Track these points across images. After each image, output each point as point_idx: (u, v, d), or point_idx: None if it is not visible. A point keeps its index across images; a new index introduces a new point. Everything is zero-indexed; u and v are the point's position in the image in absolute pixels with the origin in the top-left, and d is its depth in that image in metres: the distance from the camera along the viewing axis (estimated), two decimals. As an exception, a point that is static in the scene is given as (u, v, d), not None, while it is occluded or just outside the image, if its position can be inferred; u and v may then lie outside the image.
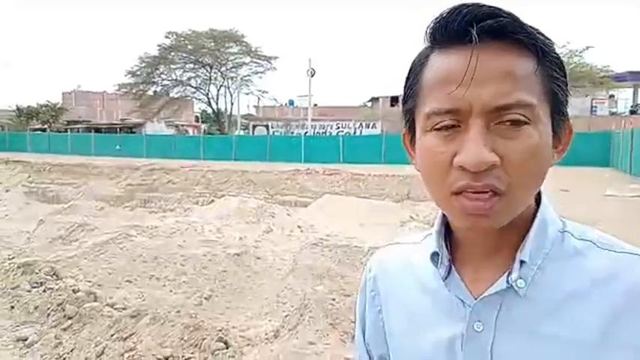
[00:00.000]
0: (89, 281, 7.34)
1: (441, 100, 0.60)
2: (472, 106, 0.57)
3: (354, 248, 9.21)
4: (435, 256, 0.69)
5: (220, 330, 4.99)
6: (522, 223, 0.64)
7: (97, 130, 37.26)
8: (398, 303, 0.75)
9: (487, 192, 0.57)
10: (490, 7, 0.58)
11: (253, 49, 38.90)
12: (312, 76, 35.33)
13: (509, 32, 0.58)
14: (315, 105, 42.55)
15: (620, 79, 28.74)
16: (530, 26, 0.60)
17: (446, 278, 0.68)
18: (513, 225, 0.62)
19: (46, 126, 41.19)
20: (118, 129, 39.52)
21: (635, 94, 31.55)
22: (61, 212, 13.69)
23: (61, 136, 34.56)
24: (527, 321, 0.61)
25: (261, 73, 40.05)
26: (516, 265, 0.62)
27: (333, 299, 5.99)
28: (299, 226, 11.87)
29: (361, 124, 33.93)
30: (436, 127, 0.61)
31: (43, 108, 43.33)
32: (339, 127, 33.91)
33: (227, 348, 4.71)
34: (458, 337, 0.65)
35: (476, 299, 0.64)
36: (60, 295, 5.55)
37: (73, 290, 5.90)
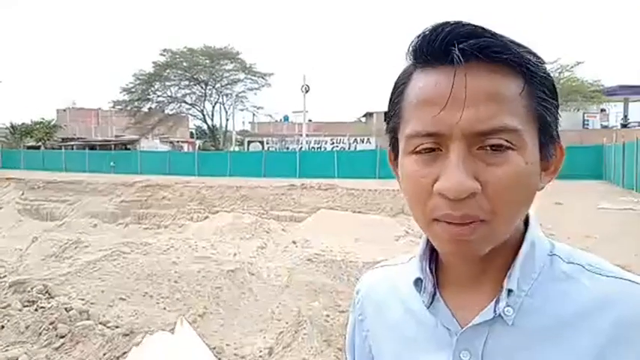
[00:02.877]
0: (82, 299, 7.25)
1: (422, 122, 0.57)
2: (453, 129, 0.55)
3: (349, 263, 9.18)
4: (418, 281, 0.67)
5: (214, 348, 4.94)
6: (510, 247, 0.62)
7: (92, 147, 37.17)
8: (384, 328, 0.73)
9: (468, 222, 0.55)
10: (473, 25, 0.56)
11: (248, 66, 39.13)
12: (307, 92, 35.56)
13: (493, 52, 0.55)
14: (310, 121, 42.74)
15: (611, 93, 29.10)
16: (518, 44, 0.57)
17: (430, 304, 0.66)
18: (500, 249, 0.60)
19: (40, 143, 41.05)
20: (113, 146, 39.46)
21: (625, 107, 31.88)
22: (54, 229, 13.60)
23: (55, 153, 34.42)
24: (515, 350, 0.59)
25: (256, 89, 40.25)
26: (504, 294, 0.60)
27: (328, 315, 5.95)
28: (294, 242, 11.83)
29: (356, 139, 34.05)
30: (417, 150, 0.58)
31: (37, 125, 43.20)
32: (333, 143, 34.00)
33: (221, 366, 4.65)
34: None
35: (462, 327, 0.62)
36: (52, 313, 5.49)
37: (66, 309, 5.83)
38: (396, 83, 0.64)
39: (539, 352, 0.58)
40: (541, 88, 0.58)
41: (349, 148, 32.34)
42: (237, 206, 18.42)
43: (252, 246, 10.99)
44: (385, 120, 0.67)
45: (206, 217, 16.67)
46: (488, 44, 0.55)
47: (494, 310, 0.60)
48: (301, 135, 35.18)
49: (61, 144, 40.87)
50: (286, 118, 47.26)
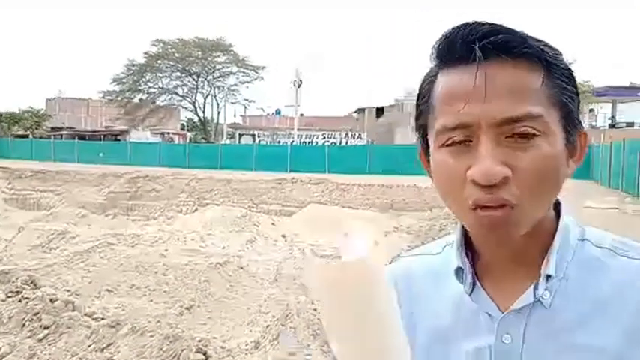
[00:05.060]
0: (68, 290, 7.22)
1: (451, 117, 0.61)
2: (480, 121, 0.59)
3: (337, 258, 9.22)
4: (459, 271, 0.69)
5: (200, 341, 4.94)
6: (543, 233, 0.65)
7: (81, 138, 36.77)
8: (424, 314, 0.76)
9: (501, 205, 0.58)
10: (491, 24, 0.60)
11: (241, 59, 38.93)
12: (299, 86, 35.48)
13: (512, 48, 0.59)
14: (302, 115, 42.64)
15: (599, 93, 29.35)
16: (536, 39, 0.61)
17: (471, 292, 0.69)
18: (534, 236, 0.64)
19: (28, 132, 40.55)
20: (102, 136, 39.10)
21: (614, 108, 32.22)
22: (41, 220, 13.47)
23: (44, 143, 34.02)
24: (554, 331, 0.63)
25: (248, 82, 40.07)
26: (542, 279, 0.63)
27: (315, 309, 5.98)
28: (283, 236, 11.84)
29: (347, 134, 34.07)
30: (447, 143, 0.62)
31: (26, 114, 42.67)
32: (325, 138, 34.00)
33: (206, 359, 4.66)
34: (486, 348, 0.66)
35: (502, 312, 0.66)
36: (36, 304, 5.44)
37: (51, 299, 5.79)
38: (421, 84, 0.69)
39: (576, 332, 0.62)
40: (561, 78, 0.62)
41: (341, 143, 32.35)
42: (227, 199, 18.37)
43: (242, 239, 10.98)
44: (415, 119, 0.71)
45: (195, 210, 16.62)
46: (507, 40, 0.59)
47: (534, 295, 0.63)
48: (293, 129, 35.12)
49: (50, 133, 40.41)
50: (278, 112, 47.12)
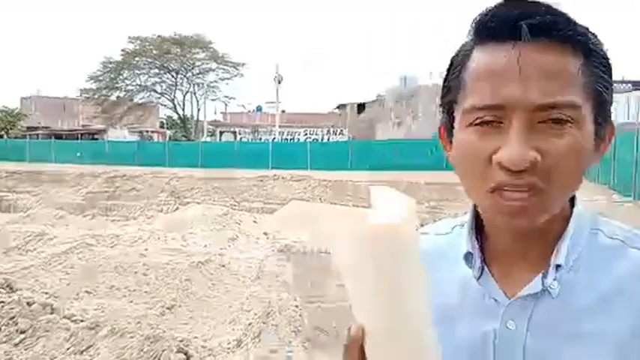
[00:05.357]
0: (46, 293, 7.08)
1: (485, 96, 0.58)
2: (517, 103, 0.57)
3: (320, 255, 9.23)
4: (468, 255, 0.69)
5: (181, 341, 4.91)
6: (557, 224, 0.64)
7: (58, 137, 36.06)
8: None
9: (526, 190, 0.57)
10: (539, 3, 0.58)
11: (220, 55, 38.64)
12: (280, 82, 35.40)
13: (559, 30, 0.57)
14: (283, 111, 42.57)
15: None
16: (579, 24, 0.59)
17: (479, 278, 0.68)
18: (549, 224, 0.62)
19: (2, 132, 39.64)
20: (79, 135, 38.41)
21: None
22: (18, 221, 13.17)
23: (19, 143, 33.28)
24: (559, 320, 0.62)
25: (228, 79, 39.84)
26: (552, 269, 0.62)
27: (297, 306, 5.99)
28: (265, 233, 11.81)
29: (329, 130, 34.12)
30: (476, 122, 0.60)
31: (0, 113, 41.72)
32: (306, 134, 33.99)
33: (188, 359, 4.63)
34: (490, 332, 0.66)
35: (509, 298, 0.65)
36: (12, 308, 5.33)
37: (28, 303, 5.67)
38: (454, 58, 0.65)
39: (582, 323, 0.61)
40: (599, 67, 0.60)
41: (322, 140, 32.37)
42: (208, 197, 18.23)
43: (223, 237, 10.91)
44: (441, 95, 0.68)
45: (176, 209, 16.45)
46: (554, 21, 0.57)
47: (543, 284, 0.62)
48: (274, 126, 35.02)
49: (25, 133, 39.58)
50: (259, 109, 46.93)
